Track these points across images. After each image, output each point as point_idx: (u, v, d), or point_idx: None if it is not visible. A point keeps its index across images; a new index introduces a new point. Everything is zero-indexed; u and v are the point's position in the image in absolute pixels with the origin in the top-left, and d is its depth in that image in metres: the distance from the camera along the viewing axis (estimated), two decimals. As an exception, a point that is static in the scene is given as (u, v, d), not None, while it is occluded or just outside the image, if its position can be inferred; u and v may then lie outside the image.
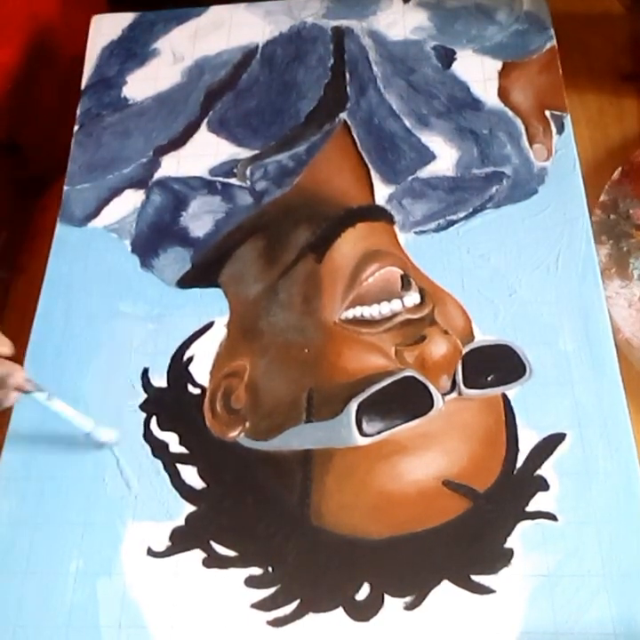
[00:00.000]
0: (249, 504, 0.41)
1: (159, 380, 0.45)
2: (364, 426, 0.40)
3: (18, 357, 0.47)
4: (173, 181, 0.52)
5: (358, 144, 0.52)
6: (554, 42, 0.54)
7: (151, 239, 0.50)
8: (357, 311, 0.44)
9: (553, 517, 0.39)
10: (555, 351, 0.43)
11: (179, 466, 0.43)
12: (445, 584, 0.38)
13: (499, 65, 0.54)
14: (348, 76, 0.55)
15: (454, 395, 0.42)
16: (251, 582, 0.39)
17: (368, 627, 0.38)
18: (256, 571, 0.39)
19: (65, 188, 0.53)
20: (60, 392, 0.45)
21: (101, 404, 0.45)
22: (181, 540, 0.41)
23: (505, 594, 0.38)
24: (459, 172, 0.50)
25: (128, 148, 0.54)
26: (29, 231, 0.55)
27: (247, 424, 0.43)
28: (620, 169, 0.48)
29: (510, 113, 0.52)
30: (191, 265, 0.49)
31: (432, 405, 0.41)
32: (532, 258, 0.46)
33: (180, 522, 0.41)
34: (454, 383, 0.42)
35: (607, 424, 0.41)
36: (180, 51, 0.58)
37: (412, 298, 0.44)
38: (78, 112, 0.56)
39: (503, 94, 0.52)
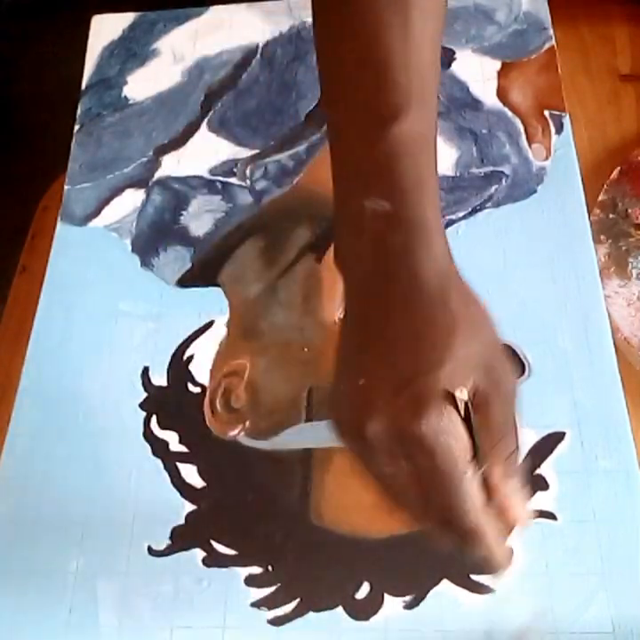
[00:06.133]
0: (249, 503, 0.41)
1: (159, 379, 0.45)
2: (364, 425, 0.40)
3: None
4: (174, 181, 0.52)
5: (358, 144, 0.52)
6: (553, 42, 0.54)
7: (151, 238, 0.50)
8: (357, 310, 0.44)
9: (552, 516, 0.39)
10: (554, 350, 0.43)
11: (179, 465, 0.43)
12: (445, 583, 0.38)
13: (498, 65, 0.54)
14: (347, 75, 0.55)
15: (454, 394, 0.42)
16: (251, 581, 0.39)
17: (368, 625, 0.38)
18: (256, 569, 0.39)
19: (65, 187, 0.53)
20: (60, 392, 0.46)
21: (101, 403, 0.45)
22: (181, 539, 0.41)
23: (504, 593, 0.38)
24: (458, 171, 0.50)
25: (128, 147, 0.54)
26: (30, 231, 0.55)
27: (247, 423, 0.43)
28: (618, 168, 0.48)
29: (509, 113, 0.52)
30: (191, 264, 0.49)
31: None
32: (531, 257, 0.46)
33: (180, 521, 0.41)
34: (454, 382, 0.42)
35: (606, 423, 0.41)
36: (181, 51, 0.58)
37: (412, 297, 0.44)
38: (79, 112, 0.56)
39: (502, 94, 0.52)
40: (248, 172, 0.52)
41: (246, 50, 0.57)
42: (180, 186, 0.52)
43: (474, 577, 0.38)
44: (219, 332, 0.46)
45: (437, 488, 0.25)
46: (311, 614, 0.38)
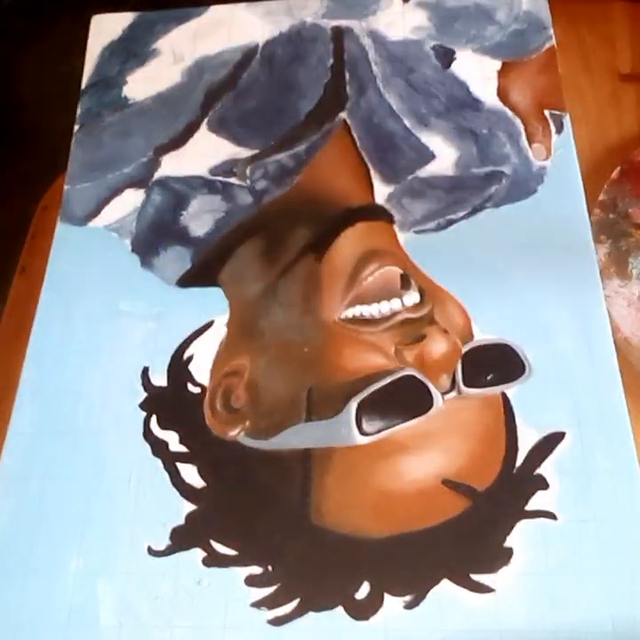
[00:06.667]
0: (249, 503, 0.41)
1: (159, 379, 0.45)
2: (364, 425, 0.40)
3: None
4: (173, 181, 0.52)
5: (358, 143, 0.52)
6: (553, 41, 0.54)
7: (151, 238, 0.51)
8: (357, 310, 0.44)
9: (552, 516, 0.39)
10: (554, 350, 0.43)
11: (178, 465, 0.43)
12: (445, 583, 0.38)
13: (498, 64, 0.54)
14: (347, 75, 0.55)
15: (454, 394, 0.42)
16: (251, 581, 0.39)
17: (368, 625, 0.38)
18: (256, 569, 0.39)
19: (65, 187, 0.53)
20: (60, 392, 0.46)
21: (101, 403, 0.45)
22: (181, 539, 0.41)
23: (504, 592, 0.38)
24: (458, 171, 0.50)
25: (128, 147, 0.54)
26: (30, 231, 0.55)
27: (247, 423, 0.43)
28: (619, 168, 0.48)
29: (509, 112, 0.52)
30: (191, 264, 0.49)
31: (432, 404, 0.41)
32: (531, 257, 0.46)
33: (180, 521, 0.41)
34: (454, 382, 0.42)
35: (606, 423, 0.41)
36: (181, 50, 0.58)
37: (412, 297, 0.44)
38: (78, 112, 0.56)
39: (502, 94, 0.52)
40: (248, 171, 0.52)
41: (246, 50, 0.57)
42: (179, 186, 0.52)
43: (473, 576, 0.38)
44: (219, 332, 0.47)
45: None
46: (311, 614, 0.38)
